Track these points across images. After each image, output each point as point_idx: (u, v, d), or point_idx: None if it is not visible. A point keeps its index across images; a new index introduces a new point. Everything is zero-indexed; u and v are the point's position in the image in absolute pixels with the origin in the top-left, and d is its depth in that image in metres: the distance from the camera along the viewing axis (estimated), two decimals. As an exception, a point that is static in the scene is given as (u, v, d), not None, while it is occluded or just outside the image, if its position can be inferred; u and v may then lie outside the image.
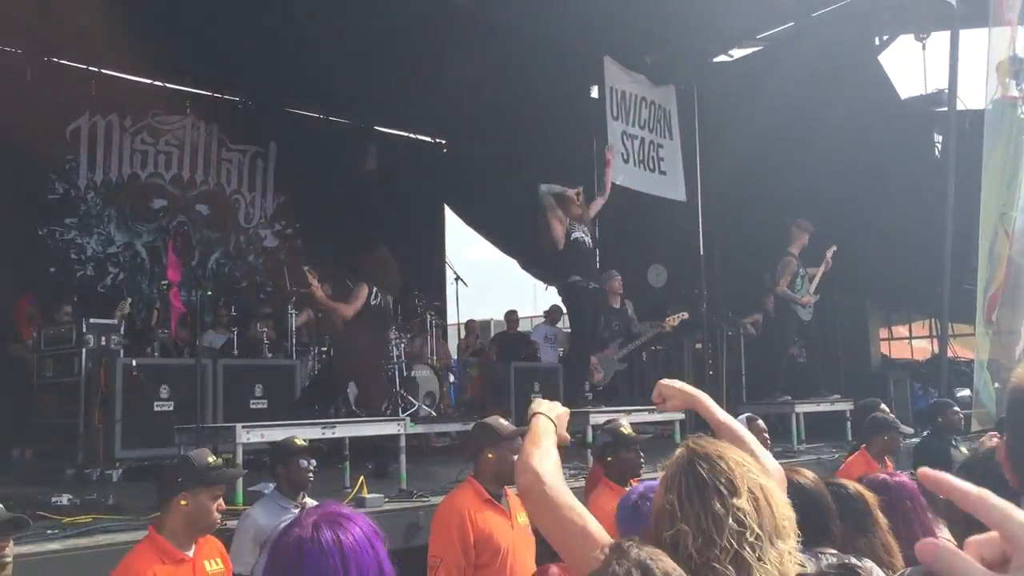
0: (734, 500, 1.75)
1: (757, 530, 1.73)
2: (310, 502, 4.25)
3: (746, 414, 5.98)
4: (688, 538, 1.73)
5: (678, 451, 1.90)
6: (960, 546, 0.87)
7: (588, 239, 8.35)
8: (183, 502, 3.30)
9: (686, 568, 1.69)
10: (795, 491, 2.84)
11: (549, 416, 2.33)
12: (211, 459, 3.51)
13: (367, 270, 7.57)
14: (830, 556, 2.53)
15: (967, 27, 10.21)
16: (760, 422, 5.71)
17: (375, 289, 7.38)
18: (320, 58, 11.06)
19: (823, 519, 2.80)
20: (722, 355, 10.76)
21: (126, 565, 3.25)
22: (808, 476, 2.94)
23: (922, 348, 13.96)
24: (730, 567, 1.70)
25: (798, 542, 2.10)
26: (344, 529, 1.72)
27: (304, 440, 4.55)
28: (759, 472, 1.86)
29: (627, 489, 4.76)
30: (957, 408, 6.96)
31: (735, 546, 1.71)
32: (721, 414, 2.47)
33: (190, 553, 3.33)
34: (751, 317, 11.36)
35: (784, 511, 1.82)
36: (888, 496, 3.14)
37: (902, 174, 10.59)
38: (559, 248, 8.04)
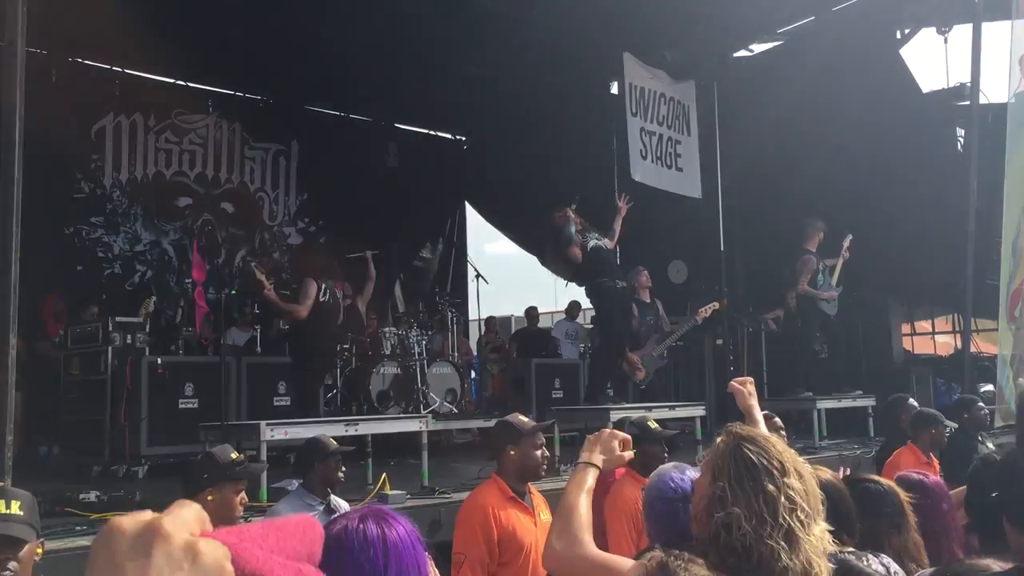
0: (785, 479, 1.79)
1: (806, 507, 1.79)
2: (336, 500, 4.30)
3: (764, 412, 5.99)
4: (741, 519, 1.77)
5: (720, 439, 1.95)
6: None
7: (604, 242, 8.39)
8: (209, 497, 3.34)
9: (740, 546, 1.74)
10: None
11: (595, 463, 2.39)
12: (234, 455, 3.57)
13: (309, 266, 7.57)
14: (848, 553, 2.54)
15: (990, 20, 10.12)
16: (777, 420, 5.71)
17: (323, 285, 7.39)
18: (339, 56, 11.13)
19: (842, 517, 2.82)
20: (743, 351, 10.74)
21: None
22: (827, 474, 2.96)
23: (945, 343, 13.86)
24: (782, 542, 1.74)
25: None
26: (389, 526, 1.75)
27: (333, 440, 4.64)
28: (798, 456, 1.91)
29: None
30: (982, 404, 6.89)
31: (788, 522, 1.76)
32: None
33: None
34: (772, 313, 11.34)
35: (819, 492, 1.87)
36: (922, 495, 3.15)
37: (924, 169, 10.52)
38: (580, 262, 8.11)
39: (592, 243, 8.23)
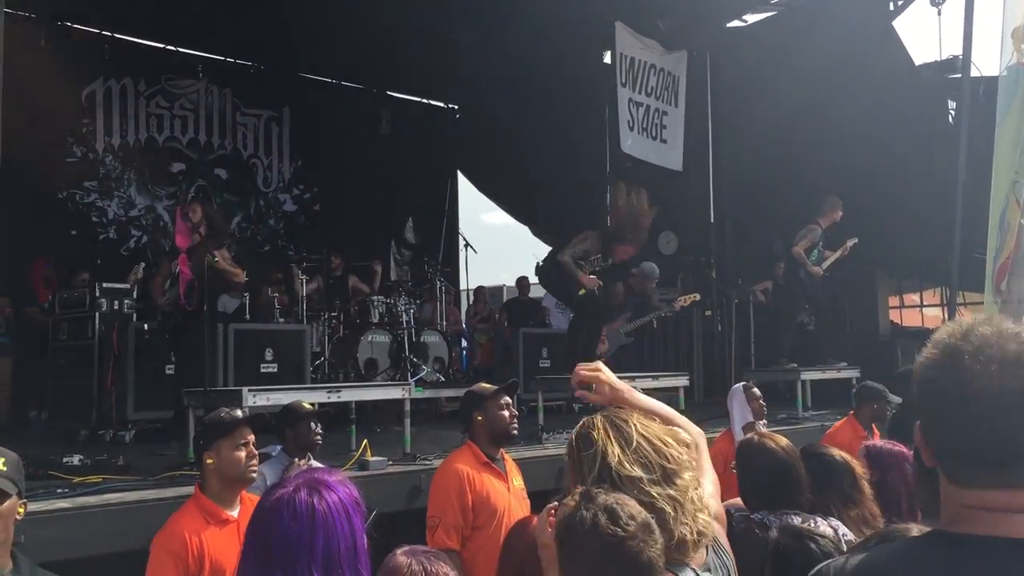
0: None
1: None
2: (316, 464, 4.35)
3: (742, 382, 6.07)
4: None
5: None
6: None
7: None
8: (209, 460, 3.32)
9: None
10: (766, 456, 2.92)
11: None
12: (224, 413, 3.52)
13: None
14: (794, 518, 2.60)
15: (983, -8, 10.08)
16: (756, 390, 5.80)
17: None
18: (331, 22, 11.07)
19: (791, 485, 2.87)
20: (731, 322, 10.80)
21: (171, 525, 3.23)
22: (780, 442, 3.01)
23: (933, 316, 13.93)
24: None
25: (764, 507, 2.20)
26: (321, 496, 1.78)
27: (312, 404, 4.70)
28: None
29: None
30: None
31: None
32: (648, 403, 2.34)
33: (234, 513, 3.25)
34: (761, 284, 11.39)
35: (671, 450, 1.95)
36: (882, 465, 3.20)
37: (915, 141, 10.51)
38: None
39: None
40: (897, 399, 6.27)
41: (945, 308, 12.34)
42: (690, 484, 1.91)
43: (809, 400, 9.12)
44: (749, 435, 3.43)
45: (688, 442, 2.00)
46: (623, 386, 2.29)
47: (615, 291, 9.23)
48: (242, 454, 3.30)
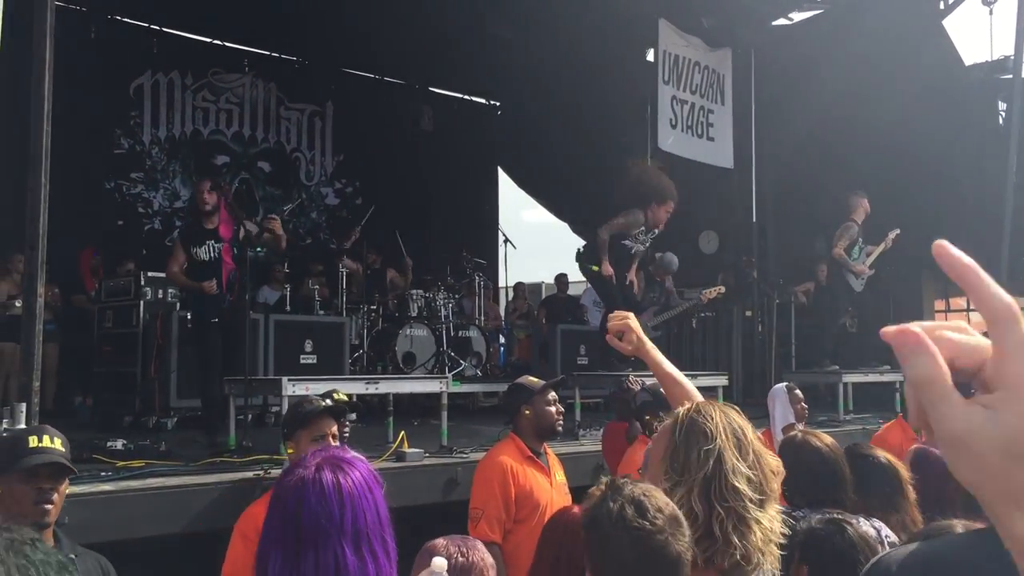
0: (729, 462, 1.88)
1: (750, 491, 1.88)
2: None
3: (785, 383, 6.01)
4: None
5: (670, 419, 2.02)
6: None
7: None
8: (290, 451, 3.27)
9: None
10: (809, 453, 2.88)
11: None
12: (312, 403, 3.36)
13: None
14: (836, 514, 2.56)
15: (1037, -9, 9.88)
16: (798, 391, 5.74)
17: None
18: (374, 18, 11.12)
19: (834, 483, 2.83)
20: (772, 323, 10.69)
21: (250, 510, 3.21)
22: (824, 440, 2.96)
23: (980, 322, 13.63)
24: (728, 524, 1.85)
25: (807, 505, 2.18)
26: (344, 473, 1.79)
27: (337, 396, 4.00)
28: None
29: None
30: None
31: (731, 507, 1.86)
32: (667, 365, 2.59)
33: None
34: (803, 285, 11.26)
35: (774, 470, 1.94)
36: (927, 470, 3.13)
37: (964, 141, 10.35)
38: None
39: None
40: None
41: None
42: (774, 513, 1.88)
43: (851, 403, 9.00)
44: (792, 433, 3.39)
45: (778, 471, 1.97)
46: (648, 342, 2.55)
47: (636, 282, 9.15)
48: (321, 443, 3.15)
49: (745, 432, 1.96)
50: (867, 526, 2.46)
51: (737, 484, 1.86)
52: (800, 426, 5.41)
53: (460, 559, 2.11)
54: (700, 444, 1.90)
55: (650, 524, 1.68)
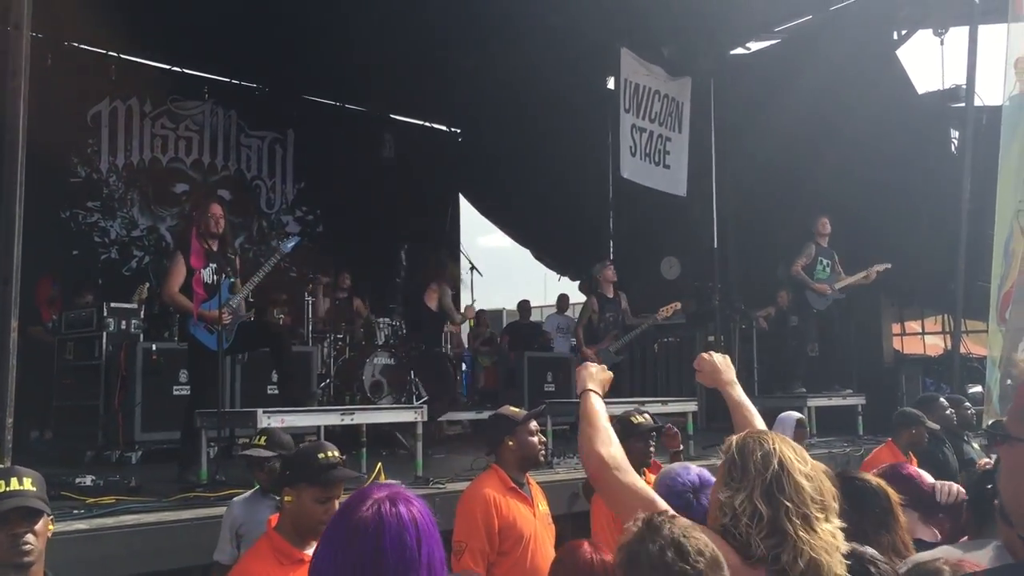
0: (791, 478, 2.02)
1: (810, 505, 2.02)
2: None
3: (797, 415, 6.13)
4: (744, 518, 1.95)
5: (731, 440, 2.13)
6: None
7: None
8: (288, 498, 3.05)
9: (750, 542, 1.88)
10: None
11: (598, 391, 2.56)
12: (325, 455, 3.14)
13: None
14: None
15: (986, 23, 10.18)
16: (807, 428, 5.89)
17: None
18: (335, 45, 11.12)
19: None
20: (735, 347, 10.80)
21: (241, 566, 3.06)
22: (820, 467, 2.99)
23: (935, 344, 13.96)
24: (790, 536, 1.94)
25: None
26: (413, 505, 1.78)
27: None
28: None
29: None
30: (945, 403, 6.87)
31: (792, 520, 1.96)
32: (741, 395, 2.84)
33: (310, 551, 2.81)
34: (763, 311, 11.40)
35: (832, 490, 2.08)
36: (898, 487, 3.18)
37: (918, 168, 10.59)
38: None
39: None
40: (935, 425, 6.29)
41: (947, 336, 12.37)
42: (838, 527, 1.93)
43: (815, 427, 9.10)
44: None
45: (835, 492, 2.05)
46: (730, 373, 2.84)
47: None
48: (323, 509, 2.98)
49: (802, 449, 2.08)
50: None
51: (800, 480, 1.94)
52: None
53: None
54: (759, 451, 2.00)
55: (691, 568, 1.68)
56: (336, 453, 3.17)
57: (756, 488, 1.92)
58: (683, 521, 1.80)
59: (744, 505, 1.90)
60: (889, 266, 9.64)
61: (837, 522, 1.96)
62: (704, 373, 2.90)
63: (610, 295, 9.36)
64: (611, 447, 2.31)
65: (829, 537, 1.90)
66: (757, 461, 1.96)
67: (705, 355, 2.92)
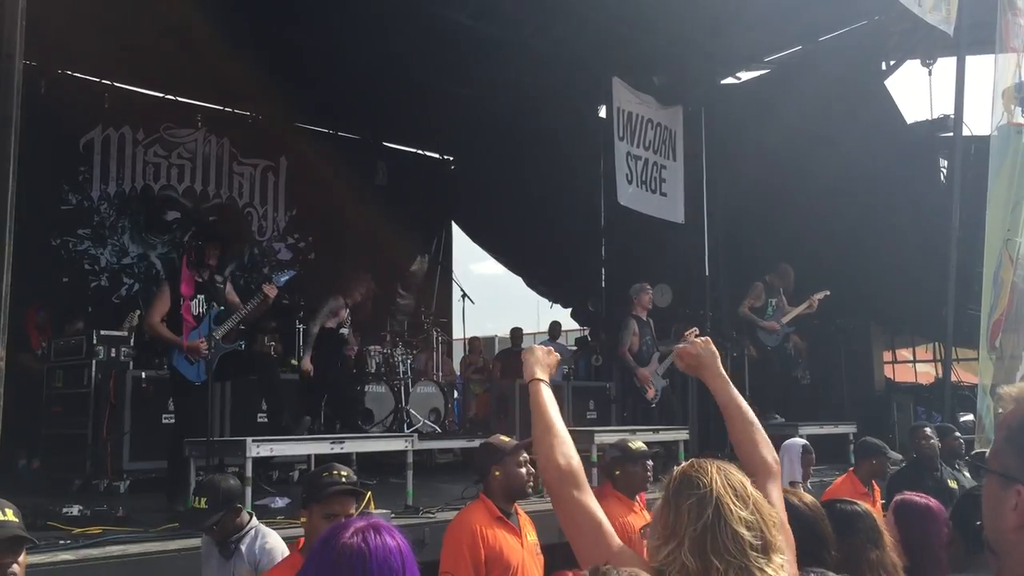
0: (731, 511, 1.88)
1: (757, 539, 1.87)
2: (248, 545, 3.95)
3: (803, 441, 6.12)
4: (684, 554, 1.84)
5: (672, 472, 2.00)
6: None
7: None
8: (303, 519, 3.29)
9: None
10: (790, 512, 2.89)
11: (547, 380, 2.41)
12: (330, 474, 3.38)
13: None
14: (811, 571, 2.56)
15: (973, 53, 10.29)
16: (812, 455, 5.91)
17: None
18: (328, 73, 11.18)
19: (815, 542, 2.84)
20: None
21: None
22: (805, 499, 2.98)
23: (926, 372, 13.97)
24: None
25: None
26: (393, 539, 1.79)
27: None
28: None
29: (634, 502, 4.90)
30: (930, 432, 6.85)
31: (736, 558, 1.83)
32: (730, 391, 2.62)
33: None
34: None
35: (776, 520, 1.94)
36: (910, 520, 3.17)
37: (907, 198, 10.65)
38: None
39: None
40: (897, 455, 6.29)
41: (938, 364, 12.39)
42: (779, 565, 1.87)
43: (806, 455, 9.07)
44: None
45: (779, 522, 1.95)
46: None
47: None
48: (327, 524, 3.08)
49: (744, 485, 1.94)
50: None
51: (738, 529, 1.83)
52: (800, 488, 5.45)
53: None
54: (694, 495, 1.88)
55: None
56: (345, 472, 3.35)
57: (685, 541, 1.83)
58: (632, 570, 1.78)
59: (673, 556, 1.83)
60: (828, 293, 9.68)
61: (779, 559, 1.89)
62: (686, 363, 2.73)
63: (645, 319, 9.36)
64: (572, 460, 2.19)
65: None
66: (690, 508, 1.85)
67: (683, 346, 2.74)
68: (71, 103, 11.24)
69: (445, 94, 12.27)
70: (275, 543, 3.88)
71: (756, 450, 2.48)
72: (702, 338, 2.74)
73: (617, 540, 2.10)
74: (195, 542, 4.69)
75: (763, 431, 2.52)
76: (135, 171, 12.22)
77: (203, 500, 3.90)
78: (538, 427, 2.30)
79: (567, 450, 2.22)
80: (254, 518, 4.01)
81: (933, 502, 3.30)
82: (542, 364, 2.45)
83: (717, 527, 1.83)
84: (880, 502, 5.91)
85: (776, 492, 2.30)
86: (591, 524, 2.11)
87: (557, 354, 2.57)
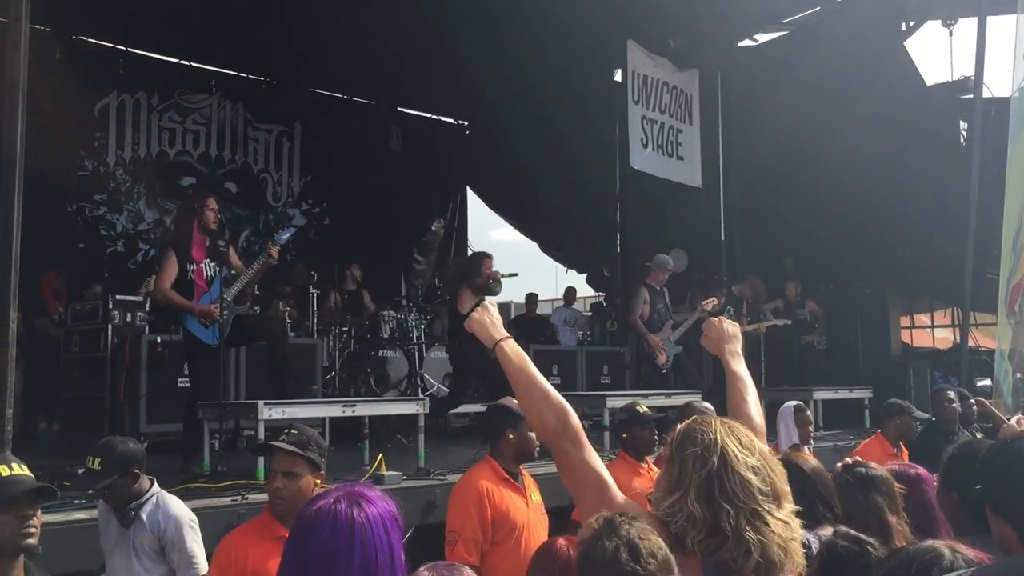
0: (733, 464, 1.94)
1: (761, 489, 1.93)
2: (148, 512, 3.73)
3: (795, 402, 6.08)
4: (690, 502, 1.90)
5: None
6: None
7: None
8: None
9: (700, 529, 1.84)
10: (793, 475, 2.89)
11: (510, 337, 2.38)
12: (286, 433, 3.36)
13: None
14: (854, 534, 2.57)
15: (995, 14, 10.11)
16: (808, 413, 5.89)
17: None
18: (342, 38, 11.11)
19: (820, 503, 2.85)
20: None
21: (227, 541, 3.24)
22: (811, 462, 2.98)
23: (944, 337, 13.89)
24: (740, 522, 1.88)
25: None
26: (361, 508, 1.76)
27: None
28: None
29: (641, 464, 4.93)
30: (953, 396, 6.78)
31: (743, 504, 1.89)
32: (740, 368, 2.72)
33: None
34: (771, 303, 11.34)
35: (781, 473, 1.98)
36: (908, 488, 3.16)
37: (927, 161, 10.53)
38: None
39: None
40: (923, 414, 6.26)
41: (955, 329, 12.32)
42: (791, 513, 1.88)
43: (821, 420, 9.07)
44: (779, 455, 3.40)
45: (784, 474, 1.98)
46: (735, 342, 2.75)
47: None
48: (275, 483, 3.22)
49: (750, 437, 1.97)
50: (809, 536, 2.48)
51: (745, 475, 1.85)
52: (805, 449, 5.44)
53: (449, 571, 2.08)
54: (698, 446, 1.90)
55: (642, 569, 1.68)
56: (295, 432, 3.30)
57: (691, 489, 1.85)
58: (643, 524, 1.79)
59: (678, 506, 1.85)
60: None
61: (790, 507, 1.91)
62: (710, 338, 2.81)
63: (658, 288, 9.32)
64: (566, 417, 2.16)
65: (781, 529, 1.83)
66: (695, 458, 1.88)
67: (715, 320, 2.84)
68: (86, 69, 11.25)
69: (460, 59, 12.19)
70: (179, 510, 3.73)
71: (743, 407, 2.52)
72: (730, 322, 2.82)
73: (621, 495, 2.11)
74: (211, 502, 4.76)
75: (756, 396, 2.60)
76: (150, 137, 12.25)
77: (97, 461, 3.67)
78: (519, 388, 2.26)
79: (557, 406, 2.19)
80: (155, 485, 3.80)
81: (916, 469, 3.28)
82: (498, 325, 2.40)
83: (724, 473, 1.85)
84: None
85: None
86: (594, 481, 2.12)
87: (491, 301, 2.54)
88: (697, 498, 1.85)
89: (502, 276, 7.55)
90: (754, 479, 1.85)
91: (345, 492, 1.80)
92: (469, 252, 13.59)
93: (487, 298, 2.42)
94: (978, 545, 1.93)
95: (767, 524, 1.82)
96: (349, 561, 1.71)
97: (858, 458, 3.32)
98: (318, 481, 3.21)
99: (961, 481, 2.67)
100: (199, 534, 3.71)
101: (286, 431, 3.34)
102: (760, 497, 1.84)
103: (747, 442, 1.93)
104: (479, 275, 7.40)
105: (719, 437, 1.90)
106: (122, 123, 11.98)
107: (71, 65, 10.93)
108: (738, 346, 2.76)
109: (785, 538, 1.84)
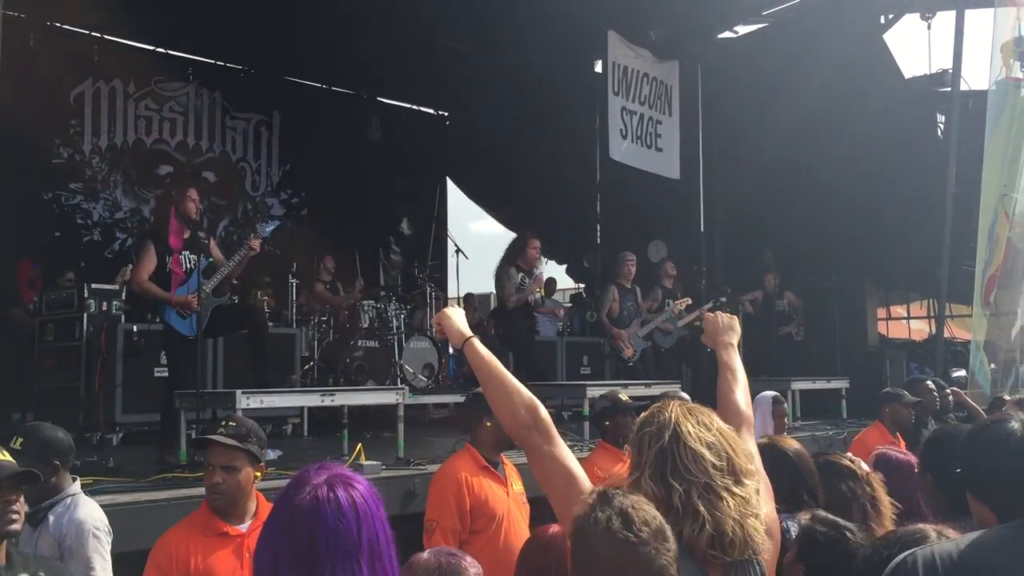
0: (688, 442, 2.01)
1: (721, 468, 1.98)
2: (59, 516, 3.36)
3: (773, 393, 6.12)
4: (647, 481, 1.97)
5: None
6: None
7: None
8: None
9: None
10: (776, 458, 2.91)
11: (475, 336, 2.42)
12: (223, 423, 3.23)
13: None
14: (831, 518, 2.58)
15: (972, 7, 10.19)
16: (785, 406, 5.91)
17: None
18: (321, 26, 11.03)
19: (802, 488, 2.86)
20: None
21: (166, 541, 3.08)
22: (793, 446, 3.00)
23: (919, 329, 14.01)
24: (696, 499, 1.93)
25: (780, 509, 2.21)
26: (354, 489, 1.78)
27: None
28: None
29: (622, 451, 4.94)
30: (932, 385, 6.95)
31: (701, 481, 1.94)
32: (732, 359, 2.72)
33: (243, 527, 3.04)
34: (750, 294, 11.39)
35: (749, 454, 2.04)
36: (890, 473, 3.18)
37: (904, 153, 10.60)
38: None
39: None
40: (914, 398, 6.33)
41: (931, 321, 12.42)
42: (752, 490, 1.90)
43: (799, 410, 9.13)
44: (761, 438, 3.41)
45: (752, 455, 2.02)
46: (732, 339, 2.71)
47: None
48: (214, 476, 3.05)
49: (711, 416, 2.01)
50: (790, 522, 2.50)
51: (697, 448, 1.90)
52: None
53: (449, 558, 2.08)
54: (653, 425, 1.97)
55: (635, 536, 1.68)
56: (233, 423, 3.21)
57: (647, 468, 1.91)
58: (636, 496, 1.79)
59: (636, 485, 1.90)
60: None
61: (752, 484, 1.93)
62: (707, 333, 2.84)
63: (628, 286, 9.55)
64: (535, 411, 2.21)
65: (740, 505, 1.87)
66: (650, 436, 1.93)
67: (711, 315, 2.86)
68: (61, 56, 11.12)
69: (440, 49, 12.13)
70: (87, 515, 3.32)
71: (731, 396, 2.53)
72: (728, 315, 2.85)
73: (590, 486, 2.11)
74: (188, 492, 4.72)
75: (746, 388, 2.60)
76: (127, 125, 12.10)
77: (20, 441, 3.32)
78: (489, 386, 2.30)
79: (527, 401, 2.23)
80: (77, 484, 3.48)
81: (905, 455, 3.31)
82: (464, 323, 2.46)
83: (675, 449, 1.91)
84: None
85: (750, 439, 2.34)
86: (563, 474, 2.14)
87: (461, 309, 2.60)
88: (652, 476, 1.91)
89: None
90: (707, 453, 1.90)
91: (330, 475, 1.80)
92: (450, 244, 13.55)
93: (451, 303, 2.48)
94: (963, 528, 1.94)
95: (721, 499, 1.85)
96: (358, 543, 1.73)
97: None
98: (258, 474, 3.12)
99: (937, 464, 2.71)
100: (106, 545, 3.32)
101: (223, 423, 3.21)
102: (713, 472, 1.89)
103: (705, 420, 1.98)
104: (524, 253, 8.35)
105: (673, 416, 1.95)
106: (98, 111, 11.83)
107: (45, 52, 10.80)
108: (733, 338, 2.77)
109: (743, 514, 1.86)
